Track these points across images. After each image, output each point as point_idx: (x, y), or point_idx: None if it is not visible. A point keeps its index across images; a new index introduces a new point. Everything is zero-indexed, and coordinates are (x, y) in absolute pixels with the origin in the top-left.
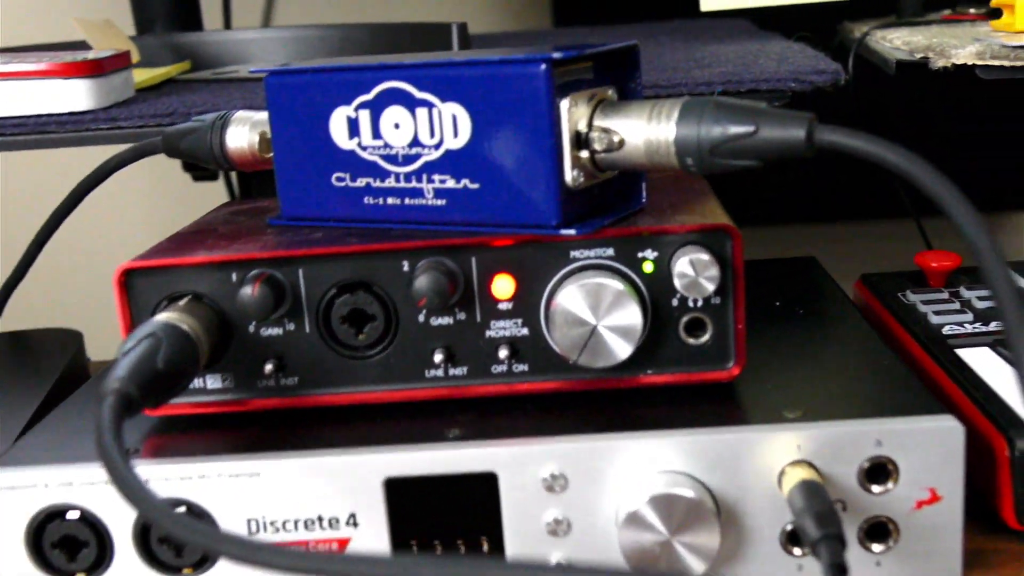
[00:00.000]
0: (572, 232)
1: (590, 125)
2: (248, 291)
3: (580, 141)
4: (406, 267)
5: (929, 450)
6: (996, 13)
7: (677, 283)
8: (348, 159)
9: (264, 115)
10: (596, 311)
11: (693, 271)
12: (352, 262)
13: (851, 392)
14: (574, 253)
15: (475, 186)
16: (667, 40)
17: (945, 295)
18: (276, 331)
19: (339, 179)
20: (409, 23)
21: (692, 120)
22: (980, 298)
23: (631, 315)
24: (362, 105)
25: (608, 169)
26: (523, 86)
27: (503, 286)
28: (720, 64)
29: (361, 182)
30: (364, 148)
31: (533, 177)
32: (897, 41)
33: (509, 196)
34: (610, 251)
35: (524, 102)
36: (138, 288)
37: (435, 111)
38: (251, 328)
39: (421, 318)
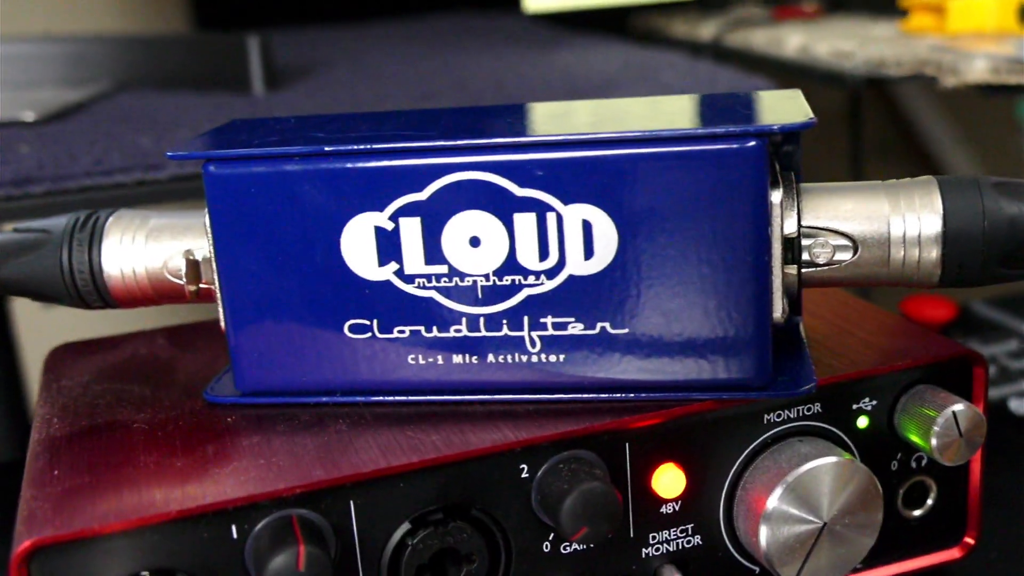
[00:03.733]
0: (788, 391)
1: (799, 226)
2: (285, 562)
3: (790, 252)
4: (525, 472)
5: None
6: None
7: (934, 442)
8: (377, 296)
9: (172, 219)
10: (826, 500)
11: (956, 426)
12: (434, 477)
13: None
14: (769, 418)
15: (620, 331)
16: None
17: None
18: None
19: (358, 328)
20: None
21: (966, 205)
22: None
23: (871, 498)
24: (406, 210)
25: (814, 287)
26: (723, 175)
27: (669, 481)
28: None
29: (403, 331)
30: (409, 278)
31: (727, 312)
32: (823, 49)
33: (680, 345)
34: (816, 407)
35: (722, 198)
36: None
37: (550, 217)
38: None
39: (547, 547)
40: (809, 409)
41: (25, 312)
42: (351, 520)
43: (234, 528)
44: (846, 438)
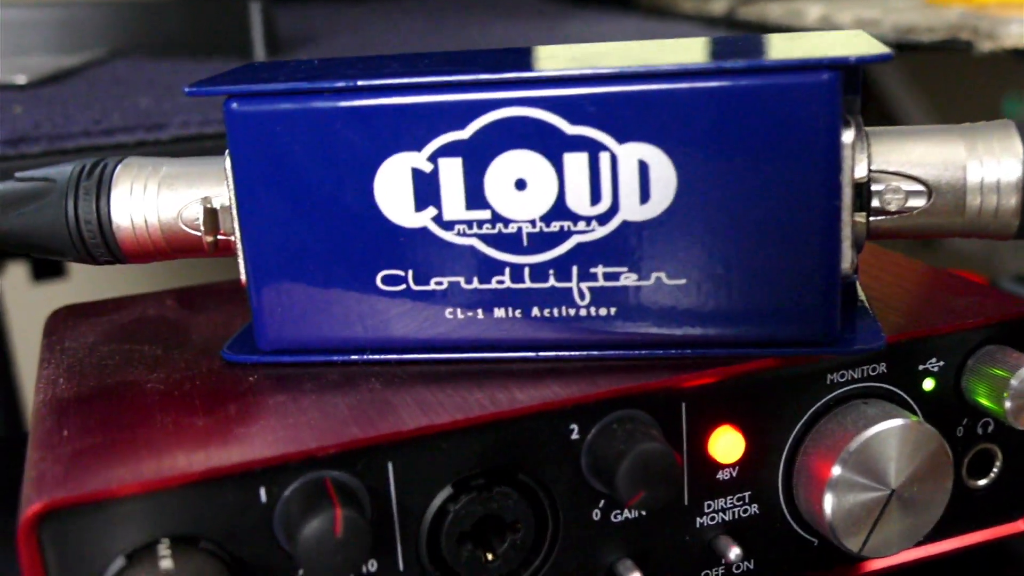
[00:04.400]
0: (857, 348)
1: (869, 171)
2: (320, 527)
3: (861, 199)
4: (575, 432)
5: None
6: None
7: (1007, 404)
8: (413, 244)
9: (187, 166)
10: (894, 466)
11: None
12: (478, 437)
13: None
14: (832, 378)
15: (676, 282)
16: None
17: None
18: None
19: (391, 279)
20: None
21: None
22: None
23: (941, 464)
24: (446, 150)
25: (881, 237)
26: (794, 110)
27: (727, 444)
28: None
29: (441, 282)
30: (448, 225)
31: (793, 262)
32: (846, 17)
33: (741, 297)
34: (882, 367)
35: (791, 137)
36: (67, 543)
37: (603, 158)
38: None
39: (597, 515)
40: (874, 369)
41: (13, 285)
42: (389, 483)
43: (263, 491)
44: (911, 401)
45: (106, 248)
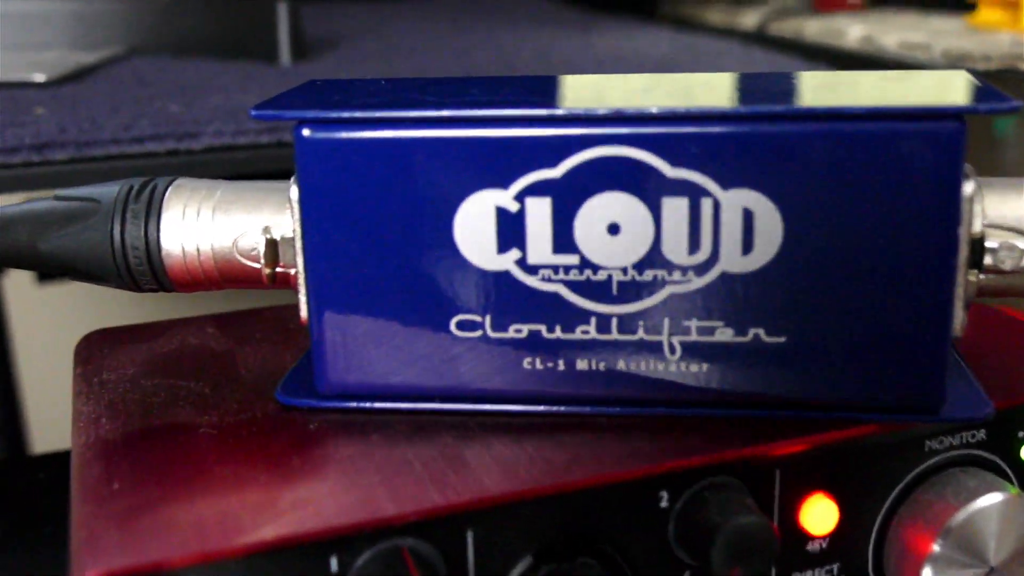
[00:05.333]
0: (965, 416)
1: (983, 226)
2: None
3: (974, 254)
4: (665, 500)
5: None
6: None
7: None
8: (493, 288)
9: (244, 192)
10: (994, 543)
11: None
12: (561, 504)
13: None
14: (930, 444)
15: (775, 340)
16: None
17: None
18: None
19: (467, 324)
20: None
21: None
22: None
23: None
24: (534, 189)
25: (989, 296)
26: (915, 160)
27: (820, 514)
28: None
29: (521, 330)
30: (532, 269)
31: (903, 323)
32: (891, 40)
33: (844, 358)
34: (981, 434)
35: (910, 188)
36: None
37: (705, 204)
38: None
39: None
40: (973, 436)
41: (16, 285)
42: (467, 552)
43: (334, 560)
44: (1008, 470)
45: (153, 276)
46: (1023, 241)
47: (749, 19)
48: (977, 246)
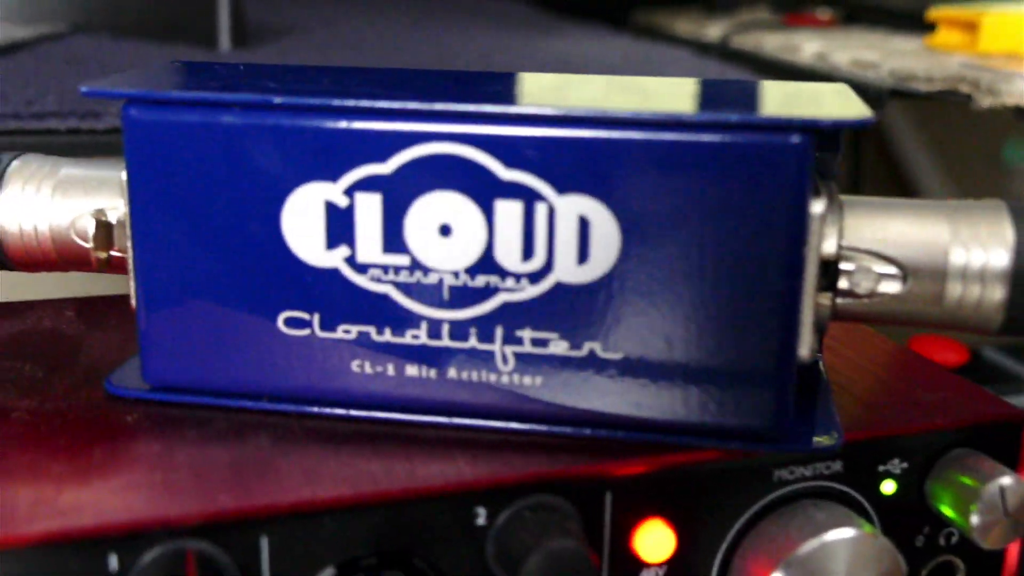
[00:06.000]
0: (810, 446)
1: (840, 247)
2: None
3: (827, 276)
4: (481, 518)
5: None
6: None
7: (974, 519)
8: (321, 285)
9: (87, 171)
10: None
11: (1002, 504)
12: (369, 515)
13: None
14: (779, 474)
15: (612, 355)
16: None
17: None
18: None
19: (295, 322)
20: None
21: None
22: None
23: None
24: (364, 184)
25: (845, 320)
26: (758, 174)
27: (655, 540)
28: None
29: (349, 331)
30: (362, 268)
31: (744, 344)
32: (843, 58)
33: (683, 378)
34: (837, 466)
35: (752, 203)
36: None
37: (539, 209)
38: None
39: None
40: (828, 467)
41: None
42: (261, 560)
43: (114, 558)
44: (867, 505)
45: None
46: (881, 265)
47: (714, 31)
48: (830, 267)
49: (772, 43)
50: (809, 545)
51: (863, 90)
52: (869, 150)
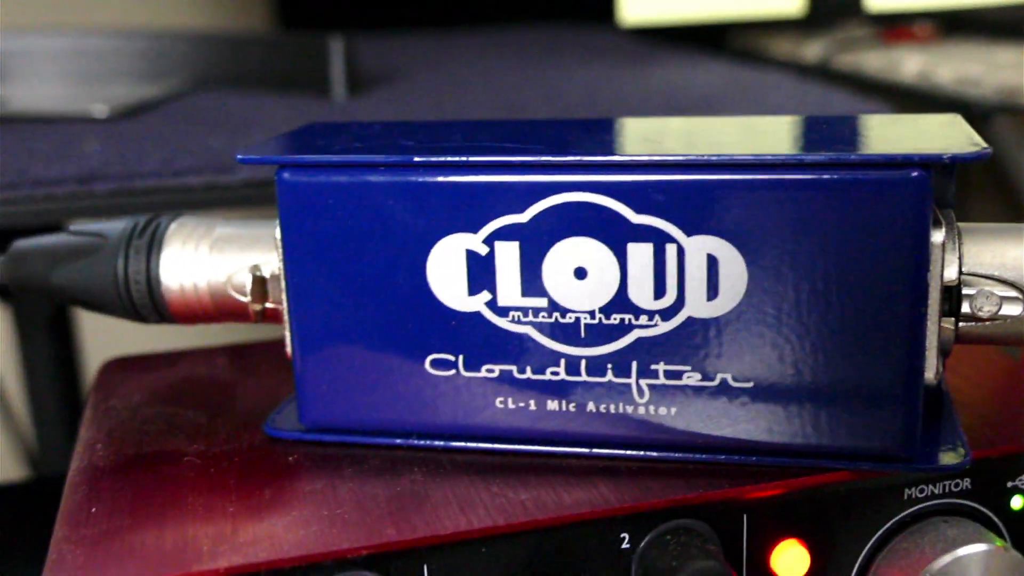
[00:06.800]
0: (938, 465)
1: (960, 273)
2: None
3: (948, 303)
4: (626, 542)
5: None
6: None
7: None
8: (465, 328)
9: (240, 229)
10: None
11: None
12: (521, 543)
13: None
14: (910, 493)
15: (743, 385)
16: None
17: None
18: None
19: (441, 363)
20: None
21: None
22: None
23: None
24: (502, 233)
25: (969, 343)
26: (880, 209)
27: (791, 560)
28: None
29: (492, 370)
30: (502, 311)
31: (872, 370)
32: (945, 74)
33: (813, 404)
34: (966, 483)
35: (876, 236)
36: None
37: (669, 250)
38: None
39: None
40: (957, 485)
41: (89, 317)
42: None
43: None
44: (997, 520)
45: (154, 308)
46: (1002, 289)
47: (812, 51)
48: (953, 293)
49: (873, 62)
50: (943, 560)
51: (968, 108)
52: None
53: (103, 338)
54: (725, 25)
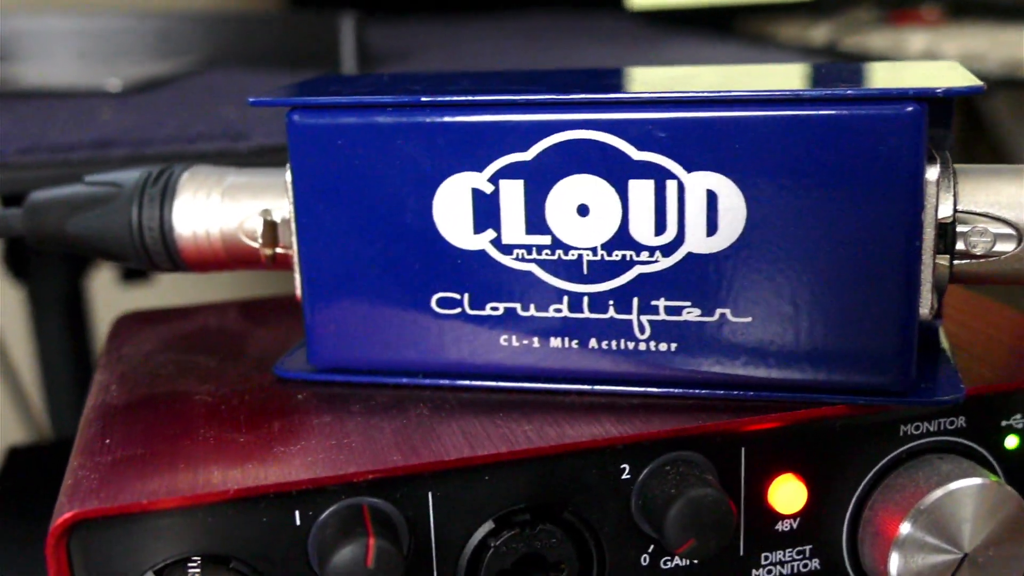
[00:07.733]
0: (933, 399)
1: (955, 211)
2: (352, 555)
3: (943, 240)
4: (626, 472)
5: None
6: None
7: None
8: (470, 267)
9: (251, 177)
10: (968, 528)
11: None
12: (523, 472)
13: None
14: (905, 429)
15: (742, 320)
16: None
17: None
18: None
19: (447, 302)
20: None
21: None
22: None
23: (1020, 528)
24: (507, 171)
25: (965, 282)
26: (875, 143)
27: (788, 494)
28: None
29: (497, 308)
30: (507, 249)
31: (867, 305)
32: (951, 50)
33: (810, 339)
34: (961, 421)
35: (871, 172)
36: (96, 555)
37: (669, 186)
38: None
39: (645, 560)
40: (952, 423)
41: (101, 286)
42: (428, 514)
43: (298, 514)
44: (991, 458)
45: (167, 255)
46: (997, 226)
47: (819, 34)
48: (947, 230)
49: (879, 43)
50: (936, 493)
51: None
52: (980, 143)
53: (116, 308)
54: (733, 9)
